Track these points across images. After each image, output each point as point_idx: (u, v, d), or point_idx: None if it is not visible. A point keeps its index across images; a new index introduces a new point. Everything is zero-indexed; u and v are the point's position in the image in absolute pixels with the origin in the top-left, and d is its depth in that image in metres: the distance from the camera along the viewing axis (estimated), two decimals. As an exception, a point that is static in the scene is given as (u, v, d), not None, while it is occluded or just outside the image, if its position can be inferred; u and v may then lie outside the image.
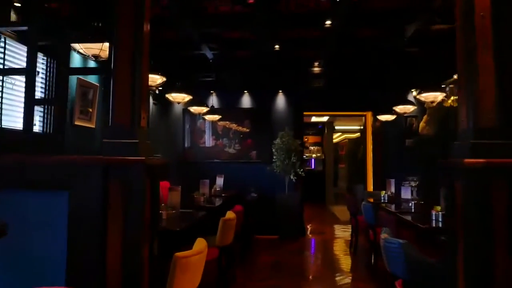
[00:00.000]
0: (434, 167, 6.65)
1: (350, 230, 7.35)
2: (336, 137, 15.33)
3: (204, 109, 6.62)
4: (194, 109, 6.35)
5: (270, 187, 7.31)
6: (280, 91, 7.54)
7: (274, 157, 6.94)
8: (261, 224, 7.25)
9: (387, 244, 2.68)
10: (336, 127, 13.03)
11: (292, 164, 6.79)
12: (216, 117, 6.93)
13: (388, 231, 2.93)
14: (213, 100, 7.61)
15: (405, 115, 7.29)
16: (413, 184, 6.44)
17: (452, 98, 6.85)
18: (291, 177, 6.78)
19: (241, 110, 7.56)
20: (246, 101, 7.61)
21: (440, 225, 3.77)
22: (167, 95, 6.03)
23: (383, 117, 6.74)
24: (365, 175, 8.13)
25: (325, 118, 11.45)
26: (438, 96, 6.00)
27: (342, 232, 7.58)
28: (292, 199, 6.91)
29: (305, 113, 7.67)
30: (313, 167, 13.16)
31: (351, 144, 17.55)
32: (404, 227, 4.06)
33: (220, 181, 6.91)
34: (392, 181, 6.27)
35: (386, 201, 5.95)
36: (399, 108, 5.82)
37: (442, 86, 6.95)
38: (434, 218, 3.95)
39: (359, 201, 6.17)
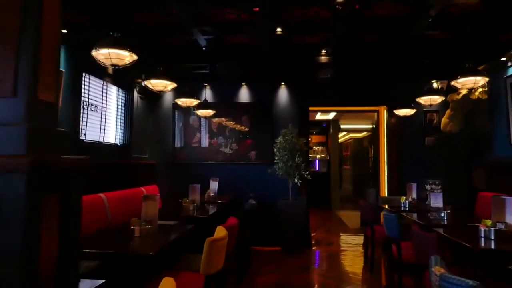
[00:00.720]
0: (459, 168, 5.79)
1: (362, 240, 6.49)
2: (341, 137, 14.48)
3: (194, 102, 5.77)
4: (182, 101, 5.50)
5: (271, 191, 6.46)
6: (283, 83, 6.69)
7: (276, 158, 6.09)
8: (262, 234, 6.40)
9: (447, 285, 1.80)
10: (342, 126, 12.16)
11: (297, 166, 5.93)
12: (210, 112, 6.07)
13: (439, 261, 2.06)
14: (207, 94, 6.75)
15: (424, 109, 6.43)
16: (434, 188, 5.58)
17: (479, 90, 5.99)
18: (295, 180, 5.92)
19: (238, 105, 6.71)
20: (244, 94, 6.75)
21: (493, 245, 2.92)
22: (145, 83, 5.00)
23: (401, 112, 5.88)
24: (377, 178, 7.26)
25: (330, 116, 10.59)
26: (480, 81, 4.89)
27: (353, 243, 6.71)
28: (296, 206, 6.05)
29: (310, 108, 6.81)
30: (317, 168, 12.29)
31: (356, 144, 16.71)
32: (440, 244, 3.17)
33: (214, 185, 6.05)
34: (414, 185, 5.42)
35: (407, 208, 5.09)
36: (424, 100, 4.95)
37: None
38: (483, 235, 3.10)
39: (373, 208, 5.31)
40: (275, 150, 6.08)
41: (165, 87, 4.70)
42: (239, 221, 4.20)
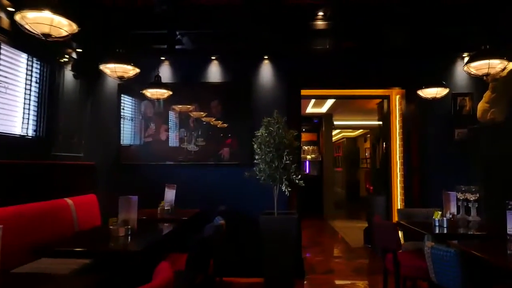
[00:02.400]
0: (504, 171, 4.18)
1: (369, 263, 4.88)
2: (333, 136, 12.89)
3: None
4: (115, 69, 3.72)
5: (250, 203, 4.79)
6: (266, 57, 5.03)
7: (257, 157, 4.41)
8: (238, 260, 4.74)
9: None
10: (336, 122, 10.58)
11: (284, 168, 4.27)
12: (164, 92, 4.36)
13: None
14: (165, 71, 5.04)
15: (453, 92, 4.84)
16: (470, 197, 3.99)
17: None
18: (283, 187, 4.25)
19: (207, 86, 5.02)
20: (214, 72, 5.07)
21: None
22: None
23: (428, 93, 4.26)
24: (388, 183, 5.66)
25: (324, 109, 8.98)
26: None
27: (360, 270, 5.07)
28: (284, 223, 4.38)
29: (303, 92, 5.16)
30: (307, 171, 10.67)
31: (350, 144, 15.18)
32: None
33: (170, 195, 4.35)
34: (453, 195, 3.82)
35: (445, 228, 3.49)
36: (476, 67, 3.29)
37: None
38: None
39: (396, 230, 3.67)
40: (255, 146, 4.41)
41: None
42: (194, 252, 2.55)
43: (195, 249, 2.75)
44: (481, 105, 4.63)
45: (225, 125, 4.94)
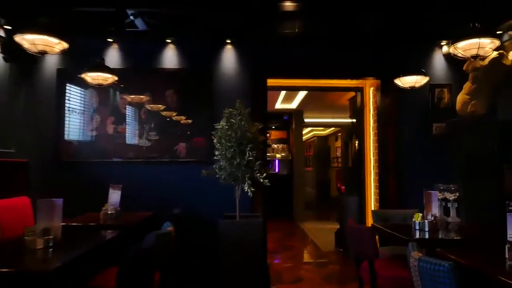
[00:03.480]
0: (485, 169, 3.69)
1: (341, 269, 4.46)
2: (303, 135, 12.52)
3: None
4: (34, 41, 3.06)
5: (209, 204, 4.26)
6: (229, 41, 4.50)
7: (217, 152, 3.87)
8: (193, 272, 4.20)
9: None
10: (306, 120, 10.17)
11: (248, 165, 3.75)
12: (107, 77, 3.75)
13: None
14: (112, 55, 4.42)
15: (431, 83, 4.48)
16: (450, 196, 3.62)
17: (515, 52, 4.13)
18: (245, 187, 3.73)
19: (161, 72, 4.43)
20: (170, 57, 4.48)
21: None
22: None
23: (406, 81, 3.85)
24: (361, 182, 5.25)
25: (294, 104, 8.54)
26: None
27: (333, 277, 4.62)
28: (246, 228, 3.85)
29: (270, 81, 4.66)
30: (277, 170, 10.21)
31: (321, 142, 14.87)
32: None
33: (114, 197, 3.74)
34: (435, 194, 3.41)
35: (427, 231, 3.08)
36: (462, 47, 2.85)
37: (498, 32, 4.24)
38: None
39: (374, 235, 3.22)
40: (215, 140, 3.87)
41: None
42: (126, 267, 2.00)
43: (127, 263, 2.18)
44: (460, 97, 4.29)
45: (183, 117, 4.36)
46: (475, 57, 2.82)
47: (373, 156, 5.11)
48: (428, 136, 4.49)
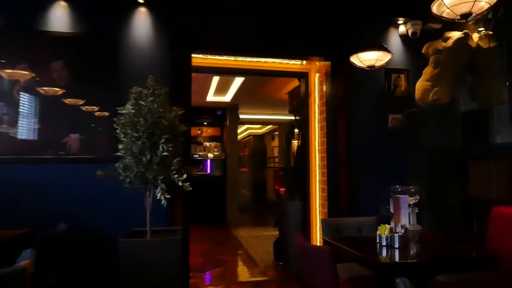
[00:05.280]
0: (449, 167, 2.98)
1: (280, 283, 3.65)
2: (238, 134, 11.66)
3: None
4: None
5: (110, 216, 3.19)
6: (142, 2, 3.44)
7: (121, 146, 2.82)
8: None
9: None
10: (242, 116, 9.32)
11: (161, 163, 2.76)
12: None
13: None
14: (-28, 10, 3.16)
15: (387, 67, 3.83)
16: (409, 200, 2.97)
17: (480, 33, 3.62)
18: (158, 194, 2.72)
19: (47, 37, 3.24)
20: (60, 18, 3.31)
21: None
22: None
23: (366, 58, 3.11)
24: (306, 184, 4.48)
25: (228, 97, 7.60)
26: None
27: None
28: (160, 249, 2.85)
29: (196, 58, 3.70)
30: (208, 171, 9.22)
31: (257, 141, 14.15)
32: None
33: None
34: (404, 199, 2.68)
35: (397, 248, 2.34)
36: (451, 2, 2.10)
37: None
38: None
39: (323, 258, 2.40)
40: (118, 130, 2.81)
41: None
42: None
43: None
44: (420, 84, 3.67)
45: (77, 100, 3.23)
46: (467, 16, 2.11)
47: (319, 153, 4.36)
48: (385, 130, 3.83)
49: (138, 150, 2.77)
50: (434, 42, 3.66)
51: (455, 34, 3.53)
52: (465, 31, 3.50)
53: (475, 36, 3.57)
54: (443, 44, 3.56)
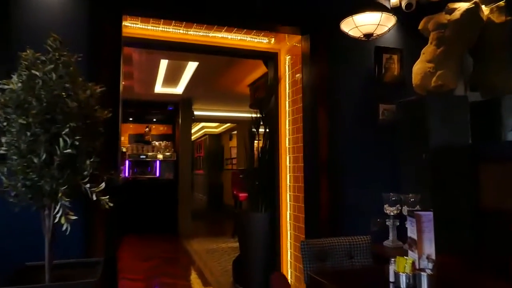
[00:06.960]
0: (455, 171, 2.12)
1: None
2: (192, 134, 10.65)
3: None
4: None
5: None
6: None
7: (4, 139, 1.81)
8: None
9: None
10: (197, 113, 8.34)
11: (65, 165, 1.78)
12: None
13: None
14: None
15: (376, 45, 3.07)
16: (408, 212, 2.21)
17: (490, 6, 2.96)
18: (57, 215, 1.75)
19: None
20: None
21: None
22: None
23: (365, 23, 2.29)
24: (274, 191, 3.63)
25: (180, 88, 6.59)
26: None
27: None
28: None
29: (133, 26, 2.72)
30: (158, 174, 8.13)
31: (213, 141, 13.17)
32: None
33: None
34: (428, 218, 1.85)
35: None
36: None
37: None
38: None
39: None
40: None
41: None
42: None
43: None
44: (420, 66, 2.93)
45: None
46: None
47: (289, 153, 3.53)
48: (375, 123, 3.06)
49: (27, 146, 1.78)
50: (434, 15, 2.95)
51: (463, 5, 2.83)
52: (474, 0, 2.81)
53: (485, 9, 2.90)
54: (448, 17, 2.85)
